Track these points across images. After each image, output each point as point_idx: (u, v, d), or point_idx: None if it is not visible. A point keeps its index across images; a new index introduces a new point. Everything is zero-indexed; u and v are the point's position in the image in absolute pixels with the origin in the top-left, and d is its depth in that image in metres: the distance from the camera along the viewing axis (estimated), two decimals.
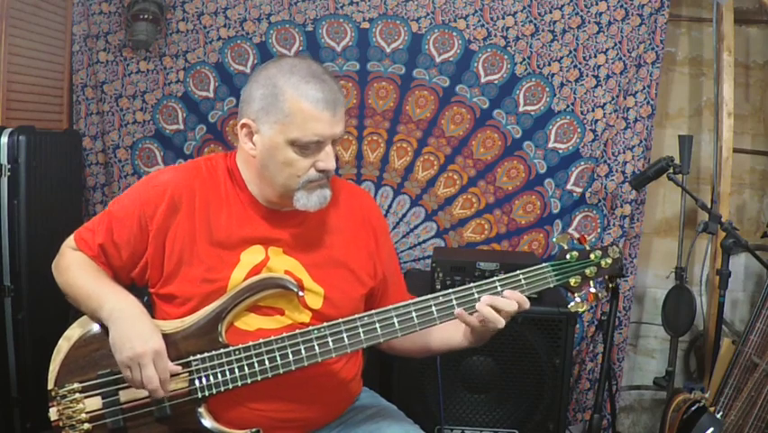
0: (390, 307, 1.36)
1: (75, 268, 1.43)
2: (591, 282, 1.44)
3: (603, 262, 1.44)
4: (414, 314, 1.35)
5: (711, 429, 1.98)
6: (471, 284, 1.37)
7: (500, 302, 1.34)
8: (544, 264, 1.41)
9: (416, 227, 2.70)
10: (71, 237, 1.48)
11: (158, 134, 2.70)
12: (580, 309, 1.44)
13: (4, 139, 2.14)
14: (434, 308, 1.35)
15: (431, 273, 2.21)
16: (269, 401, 1.38)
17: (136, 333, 1.30)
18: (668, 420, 2.13)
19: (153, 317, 1.43)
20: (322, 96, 1.30)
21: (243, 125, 1.37)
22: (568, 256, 1.43)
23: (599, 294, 1.46)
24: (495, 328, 1.35)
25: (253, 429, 1.34)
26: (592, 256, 1.44)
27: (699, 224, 2.31)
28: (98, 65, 2.65)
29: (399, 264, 1.63)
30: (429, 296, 1.36)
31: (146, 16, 2.50)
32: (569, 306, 1.44)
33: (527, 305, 1.37)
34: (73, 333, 1.38)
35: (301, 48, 2.61)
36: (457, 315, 1.35)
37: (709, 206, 2.35)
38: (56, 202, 2.35)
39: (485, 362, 2.17)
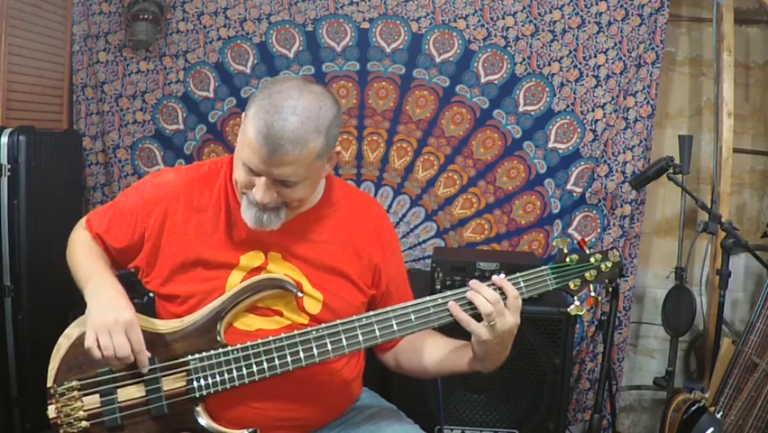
0: (388, 308, 1.36)
1: (79, 245, 1.49)
2: (591, 286, 1.44)
3: (603, 266, 1.44)
4: (412, 315, 1.35)
5: (711, 429, 1.98)
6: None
7: (483, 290, 1.32)
8: (543, 267, 1.41)
9: (416, 227, 2.70)
10: (86, 216, 1.55)
11: (158, 134, 2.70)
12: (580, 313, 1.44)
13: (4, 139, 2.14)
14: (431, 309, 1.35)
15: (431, 273, 2.21)
16: (270, 400, 1.38)
17: (111, 304, 1.32)
18: (668, 420, 2.13)
19: (155, 316, 1.44)
20: (265, 131, 1.23)
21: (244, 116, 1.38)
22: (567, 259, 1.43)
23: (599, 297, 1.45)
24: (493, 325, 1.32)
25: (250, 429, 1.33)
26: (592, 260, 1.43)
27: (699, 224, 2.31)
28: (98, 65, 2.65)
29: (408, 278, 1.62)
30: (428, 298, 1.36)
31: (146, 16, 2.50)
32: (569, 309, 1.44)
33: (513, 292, 1.33)
34: (73, 331, 1.38)
35: (301, 48, 2.61)
36: (450, 307, 1.33)
37: (709, 206, 2.35)
38: (56, 202, 2.35)
39: None
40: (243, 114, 1.32)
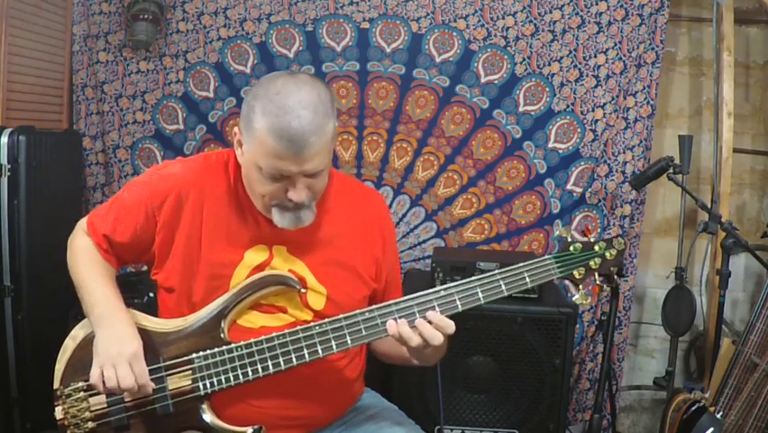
0: (392, 302, 1.35)
1: (83, 257, 1.44)
2: (596, 274, 1.43)
3: (608, 254, 1.43)
4: (415, 309, 1.34)
5: (711, 429, 1.98)
6: (473, 277, 1.36)
7: (422, 326, 1.31)
8: (546, 256, 1.40)
9: (416, 227, 2.70)
10: (85, 218, 1.50)
11: (158, 134, 2.70)
12: (585, 301, 1.42)
13: (4, 139, 2.14)
14: (435, 303, 1.35)
15: (431, 273, 2.21)
16: (272, 399, 1.38)
17: (116, 337, 1.31)
18: (668, 420, 2.13)
19: (157, 313, 1.44)
20: (287, 134, 1.23)
21: (235, 133, 1.37)
22: (571, 248, 1.42)
23: (603, 286, 1.44)
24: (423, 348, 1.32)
25: (256, 426, 1.33)
26: (596, 248, 1.42)
27: (699, 224, 2.31)
28: (98, 65, 2.65)
29: (401, 269, 1.63)
30: (431, 291, 1.35)
31: (146, 16, 2.50)
32: (573, 298, 1.42)
33: (451, 330, 1.31)
34: (78, 333, 1.38)
35: (301, 48, 2.61)
36: (388, 326, 1.31)
37: (709, 206, 2.35)
38: (56, 202, 2.35)
39: (485, 362, 2.17)
40: (239, 132, 1.33)
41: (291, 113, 1.24)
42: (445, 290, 1.35)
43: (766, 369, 1.95)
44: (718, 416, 2.00)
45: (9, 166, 2.14)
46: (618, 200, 2.58)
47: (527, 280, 1.37)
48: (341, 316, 1.34)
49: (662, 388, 2.65)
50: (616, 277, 1.45)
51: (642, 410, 2.90)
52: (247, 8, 2.61)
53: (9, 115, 2.30)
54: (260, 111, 1.26)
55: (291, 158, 1.26)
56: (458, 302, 1.34)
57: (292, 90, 1.27)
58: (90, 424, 1.32)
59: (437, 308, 1.33)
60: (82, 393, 1.34)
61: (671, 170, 2.35)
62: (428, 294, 1.35)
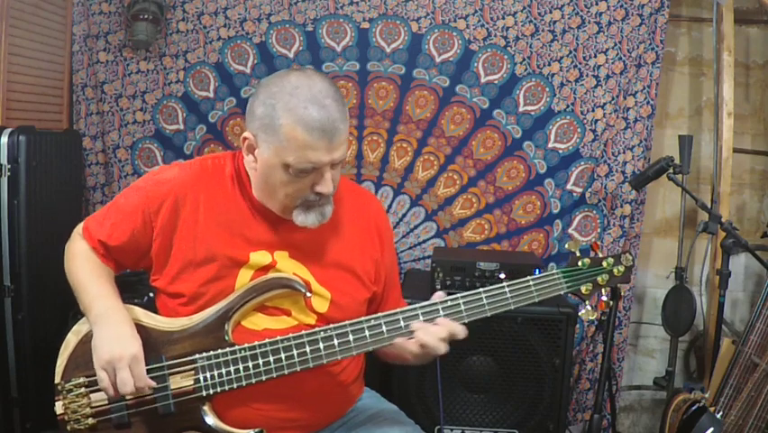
0: (397, 310, 1.36)
1: (80, 260, 1.44)
2: (604, 290, 1.44)
3: (616, 270, 1.43)
4: (421, 318, 1.35)
5: (711, 429, 1.98)
6: (480, 289, 1.37)
7: (433, 329, 1.34)
8: (554, 271, 1.41)
9: (416, 227, 2.70)
10: (81, 224, 1.49)
11: (158, 134, 2.70)
12: (592, 318, 1.43)
13: (4, 139, 2.14)
14: (441, 312, 1.35)
15: (431, 273, 2.21)
16: (272, 401, 1.38)
17: (115, 338, 1.31)
18: (668, 420, 2.13)
19: (157, 312, 1.44)
20: (318, 124, 1.26)
21: (245, 138, 1.36)
22: (580, 263, 1.42)
23: (610, 303, 1.45)
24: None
25: (256, 429, 1.34)
26: (605, 264, 1.43)
27: (699, 224, 2.31)
28: (98, 65, 2.65)
29: (399, 270, 1.63)
30: (437, 300, 1.36)
31: (146, 16, 2.50)
32: (580, 313, 1.43)
33: (462, 335, 1.35)
34: (81, 328, 1.38)
35: (301, 48, 2.61)
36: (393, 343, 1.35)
37: (709, 206, 2.35)
38: (56, 202, 2.35)
39: (485, 362, 2.17)
40: (252, 137, 1.33)
41: (317, 103, 1.27)
42: (453, 300, 1.36)
43: (766, 369, 1.95)
44: (718, 416, 2.00)
45: (9, 166, 2.14)
46: (618, 200, 2.58)
47: (534, 294, 1.38)
48: (346, 322, 1.34)
49: (662, 388, 2.65)
50: (621, 292, 1.46)
51: (642, 410, 2.90)
52: (247, 8, 2.61)
53: (9, 115, 2.31)
54: (283, 108, 1.27)
55: (323, 147, 1.28)
56: (464, 313, 1.36)
57: (308, 83, 1.29)
58: (90, 420, 1.32)
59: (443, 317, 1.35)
60: (83, 389, 1.34)
61: (671, 170, 2.35)
62: (434, 304, 1.36)
